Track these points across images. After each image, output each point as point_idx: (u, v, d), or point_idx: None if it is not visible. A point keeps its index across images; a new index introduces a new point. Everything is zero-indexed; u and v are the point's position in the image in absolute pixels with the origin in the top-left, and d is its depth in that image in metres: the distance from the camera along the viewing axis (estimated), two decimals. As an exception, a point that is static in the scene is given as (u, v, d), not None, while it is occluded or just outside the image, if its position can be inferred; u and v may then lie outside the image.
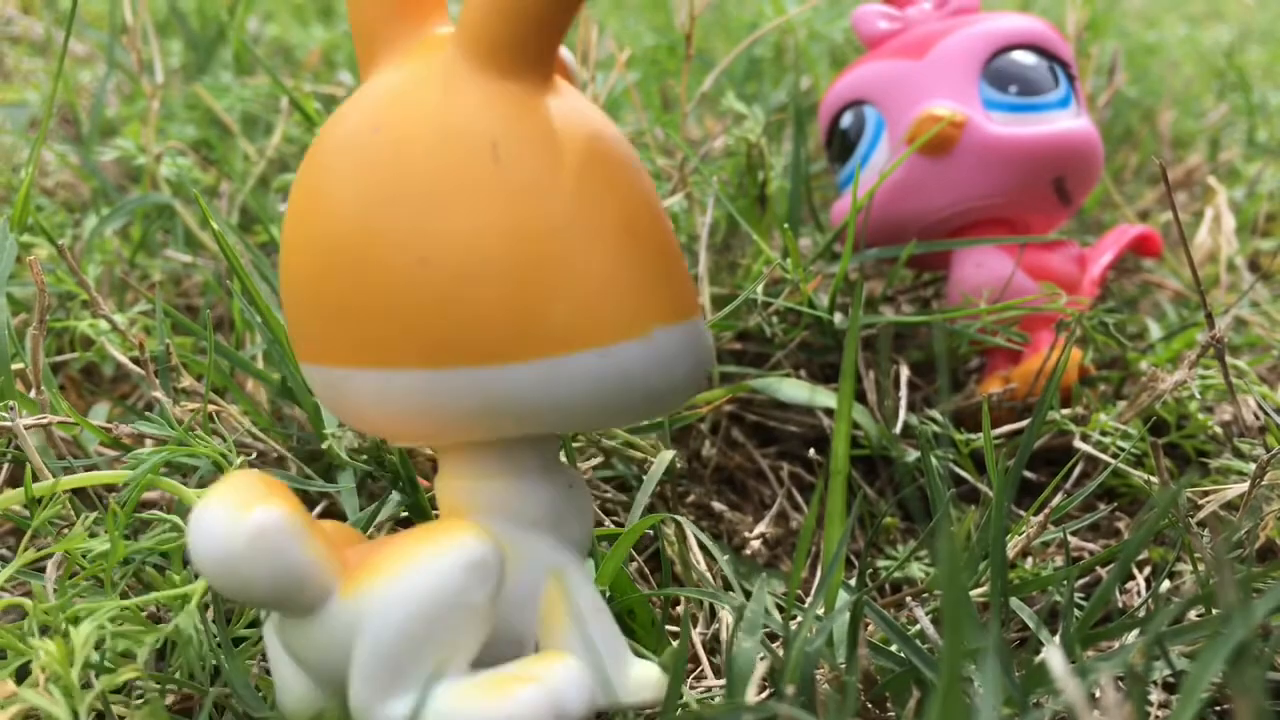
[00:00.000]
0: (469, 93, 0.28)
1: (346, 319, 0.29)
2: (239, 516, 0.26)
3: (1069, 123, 0.52)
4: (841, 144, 0.55)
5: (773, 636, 0.37)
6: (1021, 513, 0.44)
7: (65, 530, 0.39)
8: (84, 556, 0.35)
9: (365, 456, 0.40)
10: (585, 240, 0.28)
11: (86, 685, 0.30)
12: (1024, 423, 0.48)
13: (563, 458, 0.37)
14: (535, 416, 0.29)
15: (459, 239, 0.27)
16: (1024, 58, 0.52)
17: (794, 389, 0.48)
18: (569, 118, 0.29)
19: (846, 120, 0.54)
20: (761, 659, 0.32)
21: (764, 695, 0.34)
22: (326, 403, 0.32)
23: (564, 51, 0.32)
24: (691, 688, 0.38)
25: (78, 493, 0.39)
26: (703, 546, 0.46)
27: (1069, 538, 0.43)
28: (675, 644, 0.39)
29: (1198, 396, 0.49)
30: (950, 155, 0.50)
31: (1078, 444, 0.47)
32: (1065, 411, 0.48)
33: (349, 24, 0.33)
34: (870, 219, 0.52)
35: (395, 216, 0.28)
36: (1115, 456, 0.46)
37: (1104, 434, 0.47)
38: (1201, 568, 0.38)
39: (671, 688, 0.30)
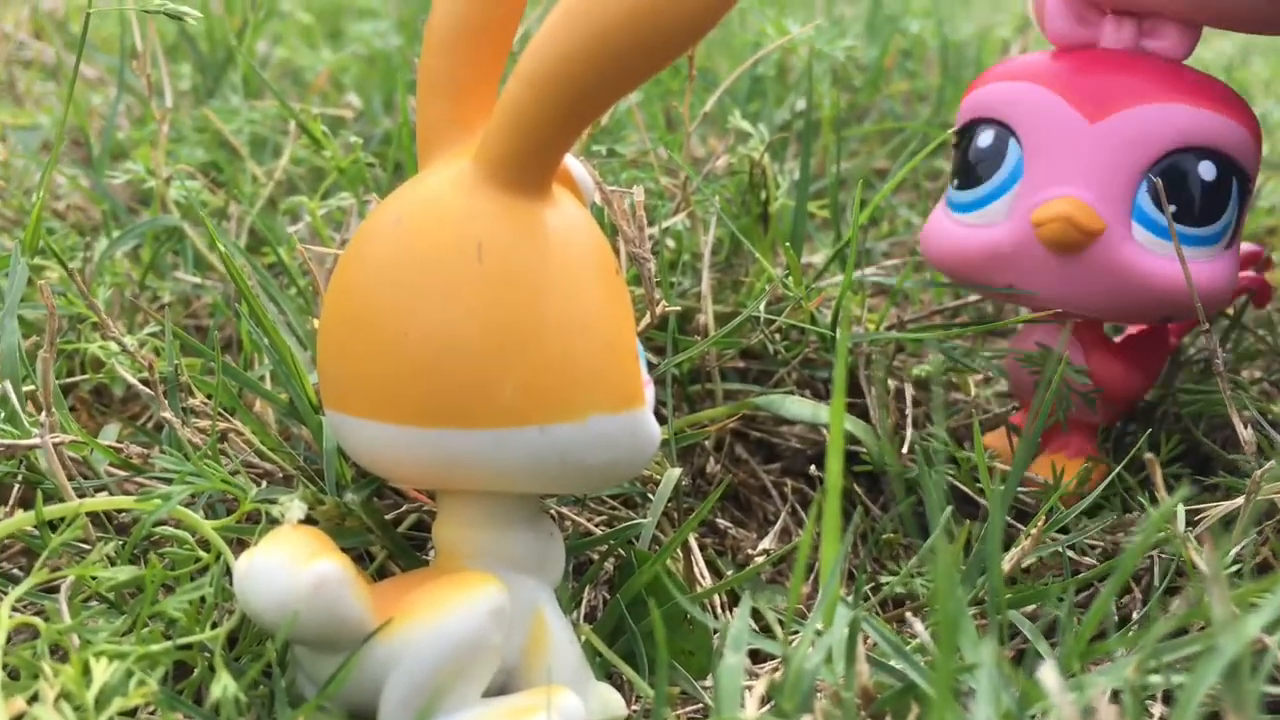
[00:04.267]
0: (470, 199, 0.32)
1: (344, 372, 0.33)
2: (299, 568, 0.30)
3: (1211, 270, 0.44)
4: (970, 164, 0.46)
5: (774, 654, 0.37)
6: (1020, 526, 0.44)
7: (77, 555, 0.39)
8: (93, 580, 0.35)
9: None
10: (540, 335, 0.32)
11: (99, 705, 0.30)
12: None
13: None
14: (487, 476, 0.33)
15: (435, 320, 0.31)
16: (1200, 169, 0.43)
17: (796, 406, 0.48)
18: (552, 228, 0.33)
19: (985, 139, 0.46)
20: (762, 675, 0.32)
21: (763, 711, 0.34)
22: (338, 440, 0.36)
23: (576, 165, 0.37)
24: (689, 709, 0.39)
25: (88, 513, 0.40)
26: (710, 563, 0.47)
27: (1067, 552, 0.44)
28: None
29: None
30: (1074, 258, 0.43)
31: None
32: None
33: (416, 122, 0.36)
34: (953, 257, 0.47)
35: (392, 294, 0.32)
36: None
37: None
38: (1198, 582, 0.39)
39: (656, 703, 0.31)
